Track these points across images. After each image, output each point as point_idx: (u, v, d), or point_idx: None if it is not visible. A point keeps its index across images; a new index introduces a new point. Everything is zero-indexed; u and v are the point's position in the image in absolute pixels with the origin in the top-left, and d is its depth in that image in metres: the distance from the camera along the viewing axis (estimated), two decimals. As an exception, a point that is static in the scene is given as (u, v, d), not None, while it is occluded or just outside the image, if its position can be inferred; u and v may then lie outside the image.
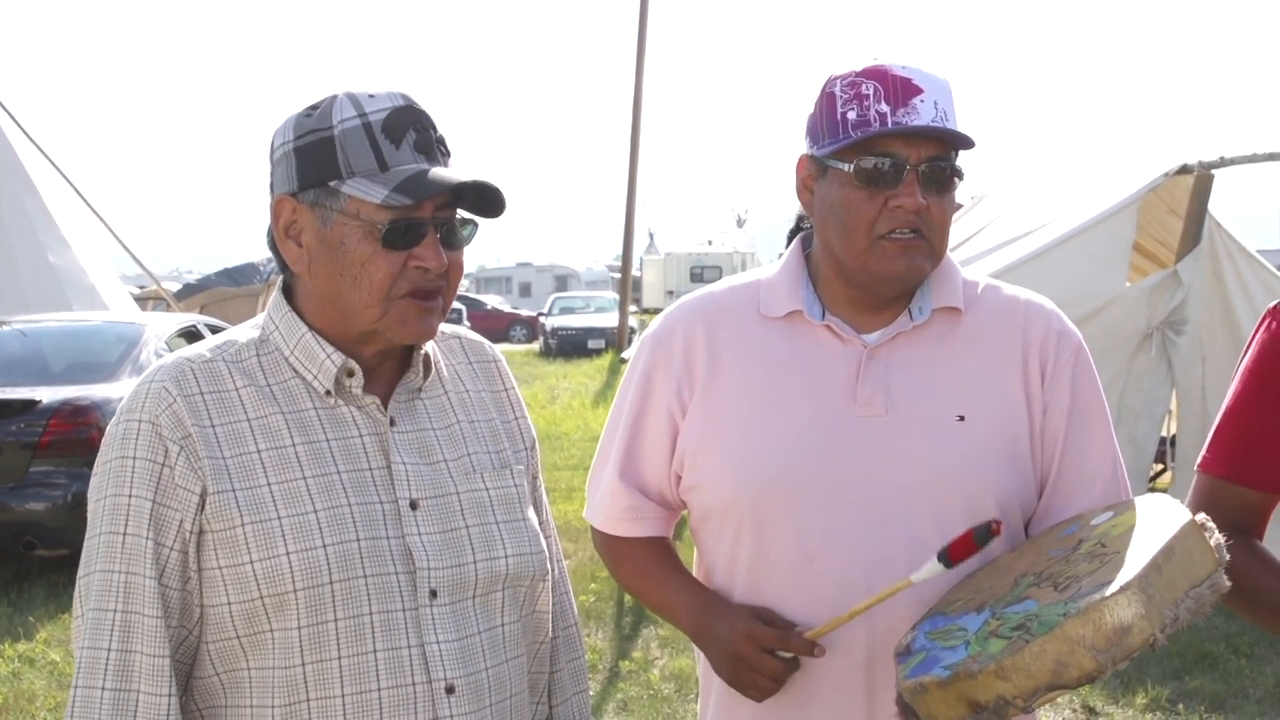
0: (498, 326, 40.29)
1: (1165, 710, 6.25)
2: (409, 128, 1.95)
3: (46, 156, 14.88)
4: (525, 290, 51.74)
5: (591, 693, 6.50)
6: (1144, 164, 8.80)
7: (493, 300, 46.20)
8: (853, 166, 2.19)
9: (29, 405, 8.71)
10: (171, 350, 10.11)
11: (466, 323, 36.32)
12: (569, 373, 25.68)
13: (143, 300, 20.66)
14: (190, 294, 23.08)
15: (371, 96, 1.96)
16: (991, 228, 9.41)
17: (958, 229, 9.69)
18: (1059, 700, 6.19)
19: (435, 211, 1.95)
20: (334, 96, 1.97)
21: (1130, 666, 6.46)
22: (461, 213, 1.99)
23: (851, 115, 2.18)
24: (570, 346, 31.44)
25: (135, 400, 1.96)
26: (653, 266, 47.78)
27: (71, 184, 15.10)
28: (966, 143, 2.21)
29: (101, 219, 15.56)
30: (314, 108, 1.97)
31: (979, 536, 2.05)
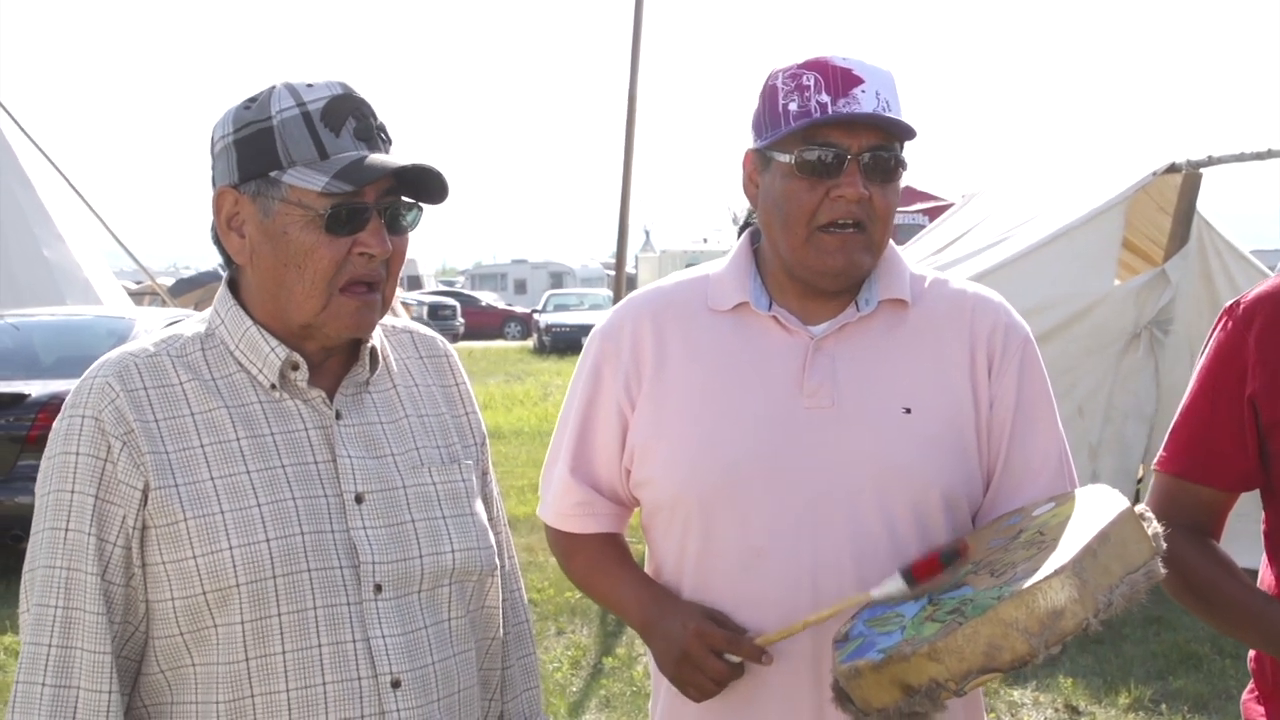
0: (492, 323, 40.29)
1: (1149, 710, 6.24)
2: (348, 115, 1.95)
3: (41, 151, 14.86)
4: (520, 287, 51.75)
5: (575, 689, 6.54)
6: (1132, 163, 8.81)
7: (487, 297, 46.18)
8: (794, 157, 2.19)
9: (18, 399, 8.76)
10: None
11: (461, 319, 36.32)
12: (563, 369, 25.67)
13: (138, 295, 20.63)
14: (186, 289, 23.03)
15: (310, 86, 1.96)
16: (981, 226, 9.41)
17: (948, 228, 9.71)
18: (1041, 700, 6.20)
19: (379, 197, 1.95)
20: (272, 87, 1.97)
21: (1114, 666, 6.49)
22: (406, 198, 1.99)
23: (792, 106, 2.19)
24: (564, 343, 31.47)
25: (79, 395, 1.96)
26: (648, 264, 47.72)
27: (66, 178, 15.07)
28: (908, 132, 2.21)
29: (96, 213, 15.54)
30: (252, 100, 1.98)
31: (945, 558, 2.06)
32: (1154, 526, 1.95)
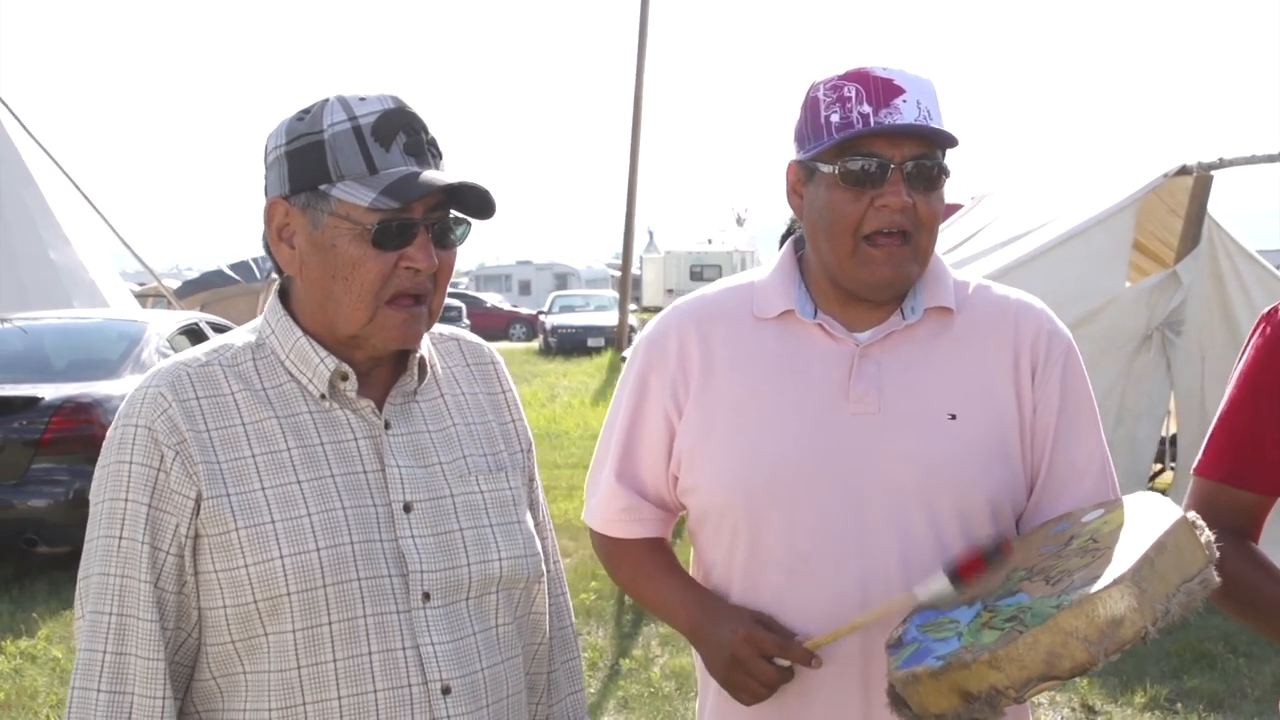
0: (497, 324, 40.27)
1: (1164, 709, 6.26)
2: (399, 130, 1.96)
3: (47, 152, 14.87)
4: (525, 288, 51.71)
5: (592, 690, 6.56)
6: (1143, 164, 8.82)
7: (492, 298, 46.16)
8: (838, 168, 2.21)
9: (31, 402, 8.73)
10: (174, 348, 10.12)
11: (466, 320, 36.30)
12: (569, 371, 25.70)
13: (143, 297, 20.66)
14: (191, 291, 23.08)
15: (362, 100, 1.97)
16: (991, 227, 9.42)
17: (958, 229, 9.71)
18: (1058, 699, 6.21)
19: (427, 212, 1.96)
20: (325, 100, 1.98)
21: (1129, 666, 6.50)
22: (455, 212, 2.00)
23: (835, 118, 2.20)
24: (570, 345, 31.46)
25: (132, 405, 1.97)
26: (652, 265, 47.75)
27: (72, 180, 15.08)
28: (950, 141, 2.23)
29: (102, 215, 15.55)
30: (306, 111, 1.99)
31: (988, 556, 2.07)
32: (1206, 534, 1.96)
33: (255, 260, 23.23)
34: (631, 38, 25.42)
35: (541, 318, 36.29)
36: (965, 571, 2.07)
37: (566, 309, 36.09)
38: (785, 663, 2.21)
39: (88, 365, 9.60)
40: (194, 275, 28.68)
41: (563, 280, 50.65)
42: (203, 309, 18.56)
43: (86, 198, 15.34)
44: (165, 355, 9.85)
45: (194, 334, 10.77)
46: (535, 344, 35.18)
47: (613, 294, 36.54)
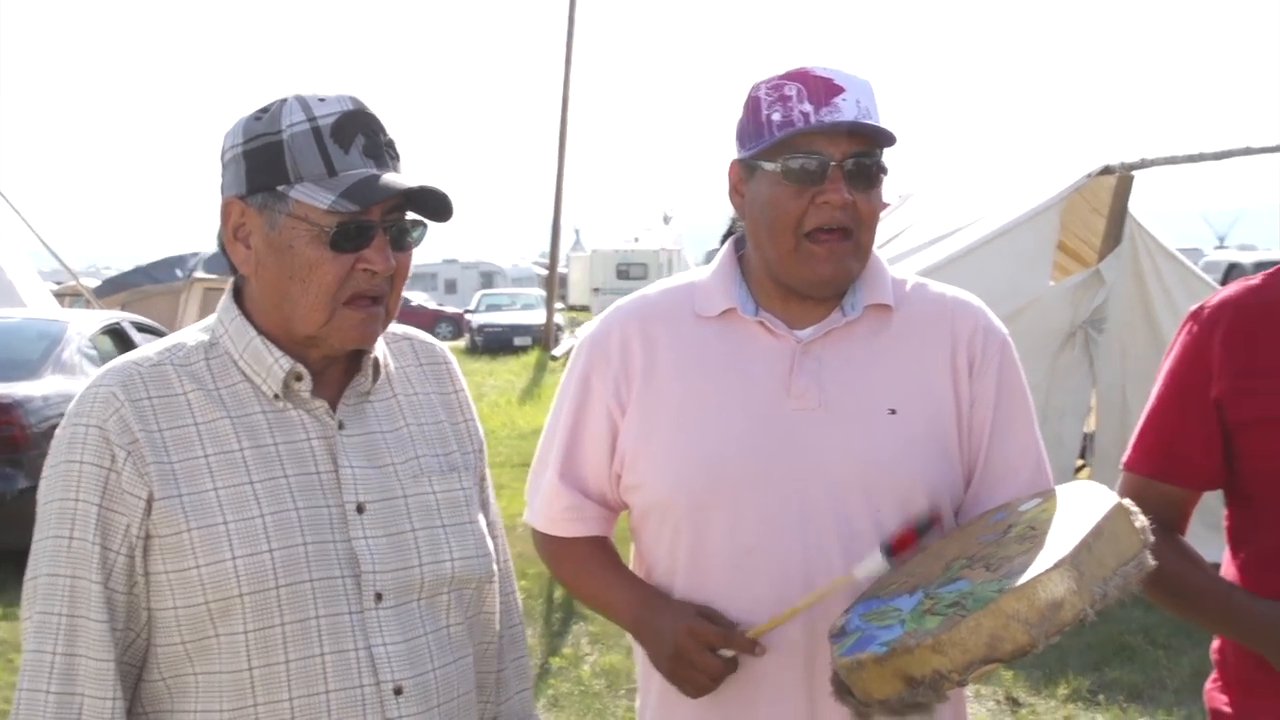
0: (423, 323, 40.02)
1: (1086, 700, 6.36)
2: (358, 132, 1.96)
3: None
4: (451, 287, 51.43)
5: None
6: (1067, 164, 8.93)
7: (418, 297, 45.87)
8: (779, 165, 2.24)
9: (-47, 402, 8.56)
10: (95, 348, 9.99)
11: (391, 319, 36.03)
12: (495, 370, 25.62)
13: (60, 296, 20.35)
14: (111, 291, 22.74)
15: (321, 100, 1.97)
16: (917, 226, 9.51)
17: (885, 227, 9.79)
18: (982, 692, 6.29)
19: (385, 215, 1.96)
20: (283, 100, 1.98)
21: (1052, 658, 6.61)
22: (411, 214, 2.01)
23: (776, 116, 2.24)
24: (496, 344, 31.38)
25: (82, 405, 1.96)
26: (579, 263, 47.65)
27: (-12, 178, 14.83)
28: (889, 139, 2.27)
29: (18, 212, 15.32)
30: (264, 111, 1.98)
31: (920, 528, 2.12)
32: (1141, 520, 2.02)
33: (178, 259, 22.94)
34: (559, 36, 25.41)
35: (467, 316, 36.15)
36: (899, 547, 2.12)
37: (493, 308, 35.98)
38: (729, 653, 2.23)
39: (7, 365, 9.44)
40: (113, 274, 28.25)
41: (489, 279, 50.41)
42: (124, 308, 18.29)
43: (2, 194, 15.11)
44: (87, 355, 9.73)
45: (116, 334, 10.63)
46: (461, 343, 35.05)
47: (539, 292, 36.47)
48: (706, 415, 2.32)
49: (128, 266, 25.66)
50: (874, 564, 2.12)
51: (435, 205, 2.00)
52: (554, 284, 28.54)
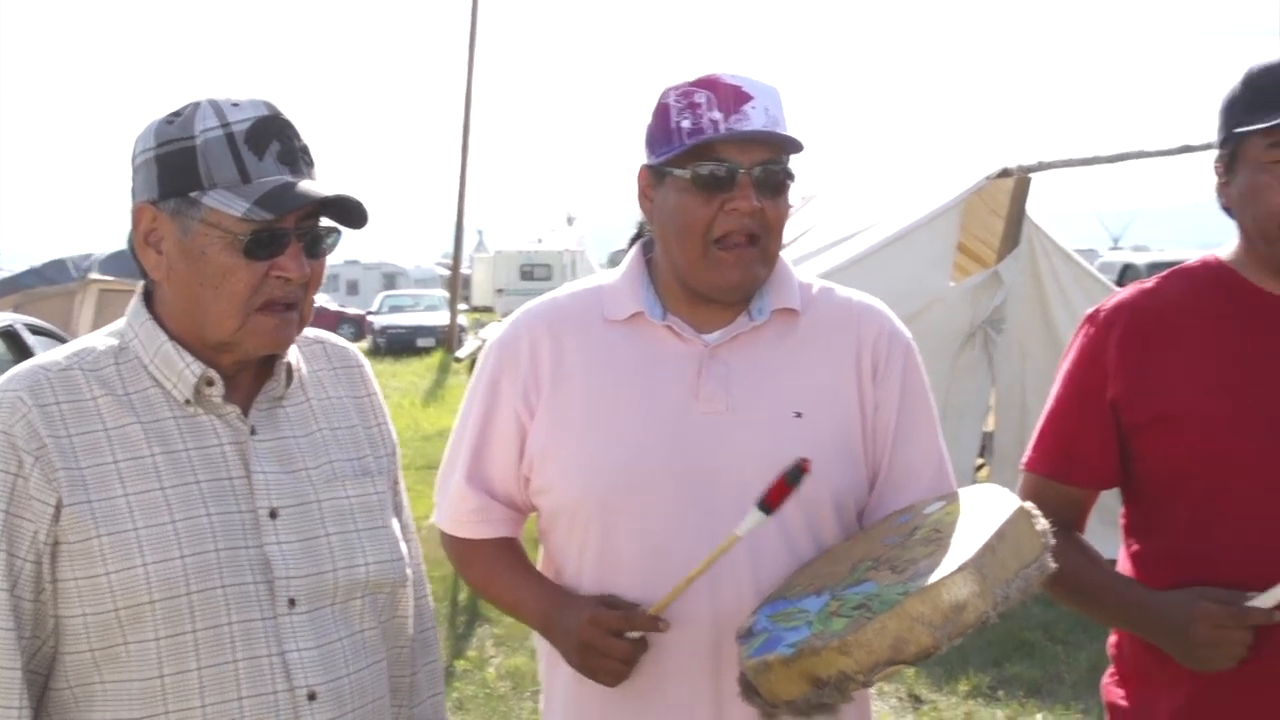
0: (325, 325, 38.88)
1: (986, 696, 6.45)
2: (272, 138, 1.94)
3: None
4: (353, 288, 50.89)
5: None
6: (966, 167, 9.04)
7: (319, 298, 45.27)
8: (689, 172, 2.26)
9: None
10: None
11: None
12: (398, 372, 25.43)
13: (-55, 297, 19.85)
14: (3, 292, 22.25)
15: (235, 105, 1.95)
16: (821, 227, 9.57)
17: (787, 228, 9.83)
18: (885, 689, 6.35)
19: (299, 222, 1.95)
20: (196, 104, 1.96)
21: (953, 655, 6.68)
22: (325, 221, 2.00)
23: (686, 124, 2.25)
24: (399, 345, 31.12)
25: None
26: (482, 264, 47.44)
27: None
28: (797, 147, 2.30)
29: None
30: (176, 114, 1.96)
31: (790, 478, 2.14)
32: (1042, 523, 2.06)
33: (71, 260, 22.51)
34: (462, 35, 25.31)
35: (370, 318, 35.84)
36: (773, 498, 2.14)
37: (395, 309, 35.69)
38: (635, 634, 2.24)
39: (-106, 368, 9.17)
40: (3, 274, 27.66)
41: (391, 280, 49.98)
42: (16, 310, 17.90)
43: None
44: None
45: (10, 336, 10.39)
46: (364, 345, 34.78)
47: (442, 294, 36.24)
48: (615, 419, 2.33)
49: (20, 267, 25.13)
50: (754, 519, 2.14)
51: (349, 212, 1.99)
52: (457, 285, 28.42)
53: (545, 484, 2.39)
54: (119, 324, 2.06)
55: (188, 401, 1.99)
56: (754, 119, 2.23)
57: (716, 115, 2.23)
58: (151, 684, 1.90)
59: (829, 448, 2.33)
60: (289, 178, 1.94)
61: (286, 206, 1.90)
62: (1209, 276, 2.45)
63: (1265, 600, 2.20)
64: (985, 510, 2.07)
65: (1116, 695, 2.53)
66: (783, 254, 2.40)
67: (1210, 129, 2.43)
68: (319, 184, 1.97)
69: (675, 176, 2.28)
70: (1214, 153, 2.41)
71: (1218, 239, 2.61)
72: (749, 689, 2.05)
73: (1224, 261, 2.44)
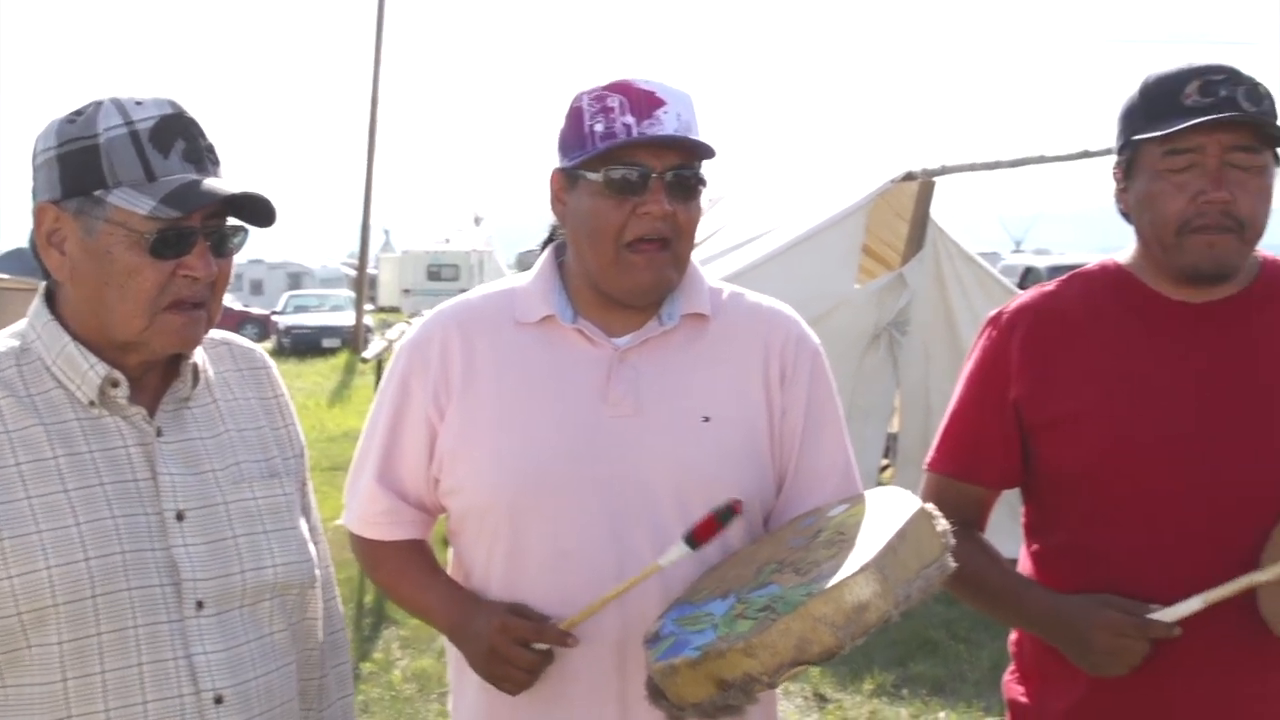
0: (228, 325, 38.37)
1: (890, 695, 6.52)
2: (177, 136, 1.93)
3: None
4: (257, 288, 50.31)
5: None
6: (872, 170, 9.12)
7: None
8: (602, 176, 2.28)
9: None
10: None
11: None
12: (303, 372, 25.18)
13: None
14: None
15: (139, 104, 1.93)
16: (727, 230, 9.61)
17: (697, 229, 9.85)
18: (790, 689, 6.39)
19: (205, 220, 1.94)
20: (99, 103, 1.94)
21: (858, 654, 6.73)
22: (232, 220, 1.98)
23: (599, 128, 2.27)
24: (304, 346, 30.78)
25: None
26: (389, 264, 47.14)
27: None
28: (708, 152, 2.32)
29: None
30: (78, 114, 1.94)
31: (721, 517, 2.16)
32: (943, 524, 2.09)
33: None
34: (369, 32, 25.14)
35: (274, 318, 35.44)
36: (701, 535, 2.15)
37: (300, 309, 35.31)
38: (543, 646, 2.25)
39: None
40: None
41: (296, 280, 49.49)
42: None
43: None
44: None
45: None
46: (268, 345, 34.41)
47: (348, 294, 35.91)
48: (524, 421, 2.34)
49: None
50: (678, 552, 2.16)
51: (257, 210, 1.98)
52: (363, 285, 28.20)
53: (455, 485, 2.38)
54: (20, 325, 2.03)
55: (92, 403, 1.96)
56: (666, 124, 2.25)
57: (629, 119, 2.25)
58: (54, 688, 1.87)
59: (736, 452, 2.35)
60: (195, 176, 1.92)
61: (193, 204, 1.89)
62: (1108, 280, 2.50)
63: (1168, 615, 2.25)
64: (887, 512, 2.10)
65: (1017, 692, 2.57)
66: (691, 255, 2.41)
67: (1110, 135, 2.47)
68: (226, 182, 1.95)
69: (588, 180, 2.29)
70: (1113, 158, 2.46)
71: (1117, 243, 2.66)
72: (656, 692, 2.07)
73: (1122, 266, 2.49)
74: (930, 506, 2.11)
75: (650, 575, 2.18)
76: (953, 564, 2.04)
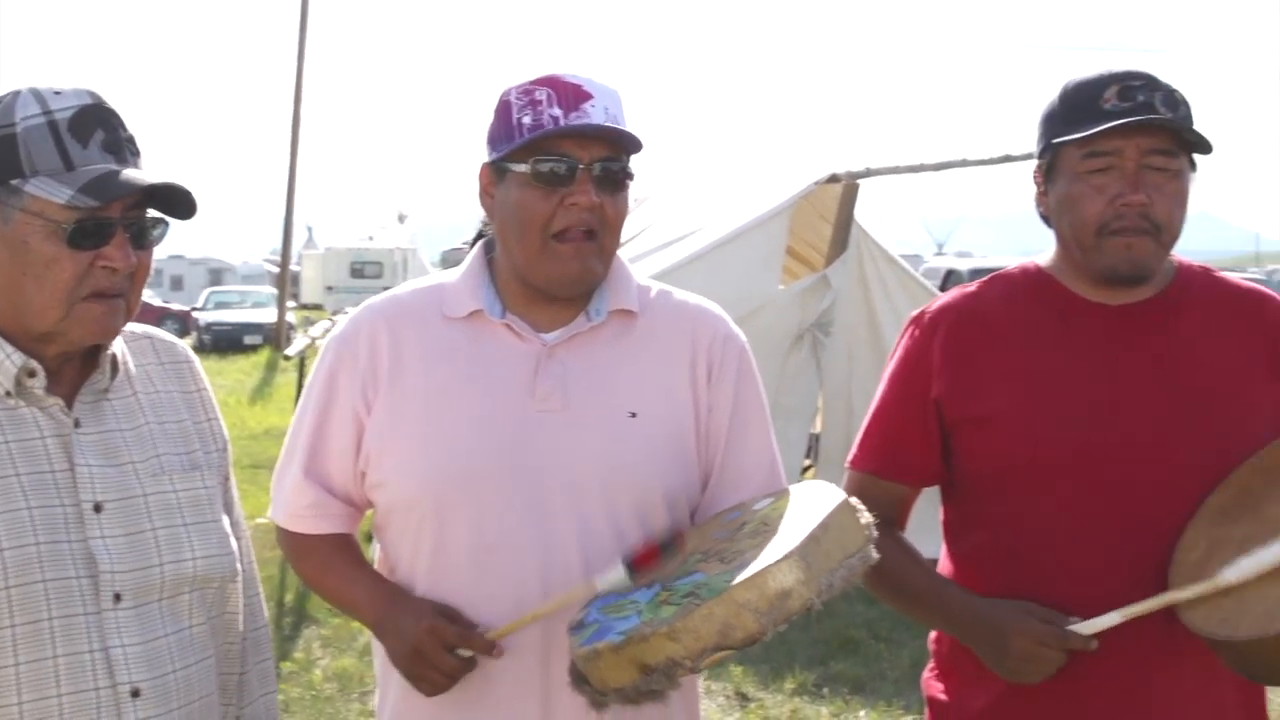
0: (147, 321, 38.23)
1: (812, 694, 6.56)
2: (97, 126, 1.92)
3: None
4: (177, 283, 49.66)
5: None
6: (796, 172, 9.17)
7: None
8: (529, 167, 2.28)
9: None
10: None
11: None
12: (224, 369, 24.94)
13: None
14: None
15: (58, 94, 1.92)
16: (653, 229, 9.62)
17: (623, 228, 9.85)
18: (713, 688, 6.42)
19: (125, 211, 1.92)
20: (16, 93, 1.92)
21: (779, 653, 6.79)
22: (152, 212, 1.97)
23: (526, 120, 2.27)
24: (225, 342, 30.49)
25: None
26: (312, 261, 46.78)
27: None
28: (636, 145, 2.33)
29: None
30: None
31: (664, 547, 2.17)
32: (866, 516, 2.11)
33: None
34: (292, 27, 24.93)
35: (195, 314, 35.04)
36: (641, 562, 2.16)
37: (222, 305, 34.94)
38: (467, 653, 2.25)
39: None
40: None
41: (217, 276, 48.90)
42: None
43: None
44: None
45: None
46: (188, 341, 33.98)
47: (271, 290, 35.60)
48: (451, 415, 2.33)
49: None
50: (615, 576, 2.16)
51: (177, 202, 1.97)
52: (286, 282, 27.96)
53: (381, 479, 2.38)
54: None
55: (8, 393, 1.94)
56: (594, 116, 2.26)
57: (557, 111, 2.25)
58: None
59: (663, 448, 2.36)
60: (114, 166, 1.91)
61: (111, 194, 1.87)
62: (1028, 282, 2.53)
63: (1087, 627, 2.29)
64: (811, 503, 2.12)
65: (936, 690, 2.59)
66: (618, 253, 2.42)
67: (1031, 140, 2.51)
68: (146, 172, 1.94)
69: (516, 172, 2.29)
70: (1034, 162, 2.49)
71: (1038, 247, 2.70)
72: (579, 678, 2.07)
73: (1043, 268, 2.53)
74: (854, 499, 2.13)
75: (582, 595, 2.18)
76: (875, 555, 2.06)
